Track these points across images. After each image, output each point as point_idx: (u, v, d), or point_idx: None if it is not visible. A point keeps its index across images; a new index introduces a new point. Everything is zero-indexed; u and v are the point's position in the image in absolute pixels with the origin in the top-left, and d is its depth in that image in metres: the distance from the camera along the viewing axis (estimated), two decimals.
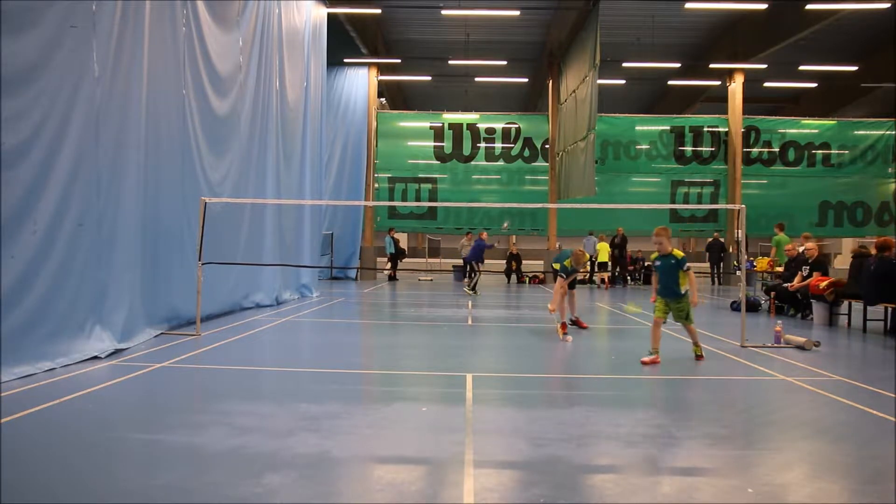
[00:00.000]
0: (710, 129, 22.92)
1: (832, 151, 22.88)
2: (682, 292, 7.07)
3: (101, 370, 6.01)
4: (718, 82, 23.19)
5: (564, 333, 8.73)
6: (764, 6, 17.91)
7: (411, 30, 22.62)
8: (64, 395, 4.98)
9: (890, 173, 22.87)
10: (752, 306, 12.47)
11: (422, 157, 23.16)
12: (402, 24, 22.10)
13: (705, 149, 22.91)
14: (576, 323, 9.71)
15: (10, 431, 4.06)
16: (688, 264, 7.01)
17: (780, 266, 14.02)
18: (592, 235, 21.69)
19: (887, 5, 16.64)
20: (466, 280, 18.69)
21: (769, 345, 8.22)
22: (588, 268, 21.34)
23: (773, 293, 12.43)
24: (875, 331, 9.79)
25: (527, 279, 22.12)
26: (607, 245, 21.02)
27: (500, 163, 23.16)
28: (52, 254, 6.00)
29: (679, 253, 7.06)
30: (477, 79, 25.13)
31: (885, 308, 9.55)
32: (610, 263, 20.53)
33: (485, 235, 17.89)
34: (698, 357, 7.20)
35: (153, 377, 5.87)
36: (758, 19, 19.79)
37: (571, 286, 9.63)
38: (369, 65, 22.02)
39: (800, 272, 11.58)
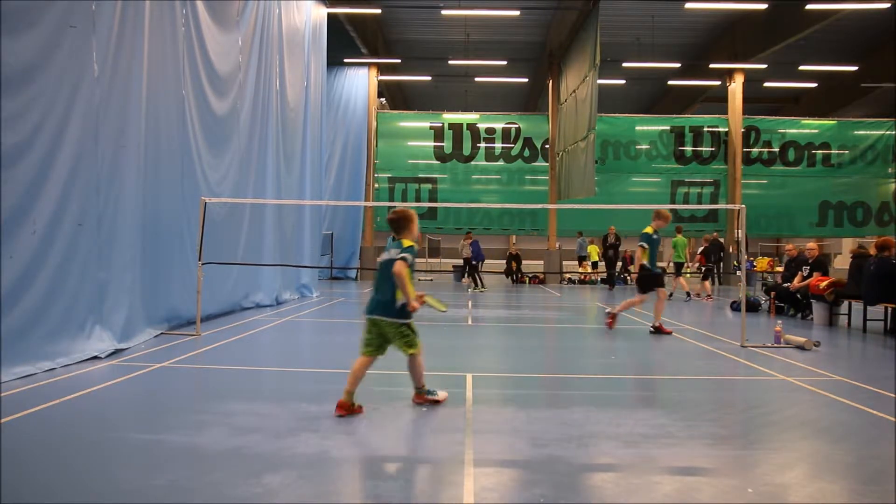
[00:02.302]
0: (710, 129, 22.92)
1: (832, 151, 22.88)
2: (399, 305, 4.65)
3: (101, 370, 6.01)
4: (718, 82, 23.18)
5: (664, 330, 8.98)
6: (764, 6, 17.91)
7: (411, 30, 22.61)
8: (64, 395, 4.98)
9: (890, 173, 22.87)
10: (752, 306, 12.47)
11: (422, 157, 23.16)
12: (402, 24, 22.10)
13: (705, 149, 22.91)
14: (659, 329, 9.16)
15: (10, 431, 4.06)
16: (406, 255, 4.65)
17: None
18: (582, 236, 22.02)
19: (887, 5, 16.64)
20: (469, 280, 19.13)
21: (769, 345, 8.21)
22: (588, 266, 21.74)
23: (773, 293, 12.44)
24: (875, 331, 9.79)
25: (527, 279, 22.12)
26: (597, 247, 21.37)
27: (500, 163, 23.16)
28: (52, 254, 6.00)
29: (408, 241, 4.79)
30: (477, 79, 25.12)
31: (885, 308, 9.55)
32: (604, 264, 20.56)
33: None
34: (419, 398, 4.95)
35: (153, 377, 5.87)
36: (757, 19, 19.79)
37: (650, 287, 9.18)
38: (369, 65, 22.02)
39: (800, 272, 11.58)
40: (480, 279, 19.01)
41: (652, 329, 9.23)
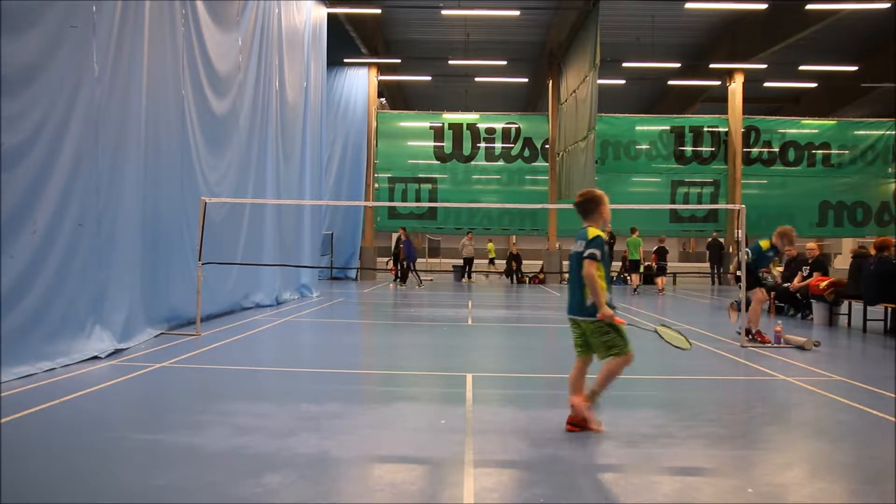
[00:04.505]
0: (710, 129, 22.93)
1: (832, 151, 22.89)
2: (590, 303, 4.17)
3: (101, 370, 6.01)
4: (718, 82, 23.19)
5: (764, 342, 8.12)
6: (764, 6, 17.91)
7: (411, 30, 22.61)
8: (64, 395, 4.97)
9: (890, 173, 22.88)
10: None
11: (422, 157, 23.17)
12: (402, 24, 22.10)
13: (705, 149, 22.92)
14: (755, 336, 8.32)
15: (11, 431, 4.06)
16: (594, 252, 4.13)
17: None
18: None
19: (887, 5, 16.64)
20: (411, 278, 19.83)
21: (769, 344, 8.21)
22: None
23: (773, 293, 12.43)
24: (875, 331, 9.79)
25: (527, 279, 22.13)
26: (493, 244, 22.99)
27: (500, 163, 23.17)
28: (52, 254, 6.00)
29: (594, 231, 4.25)
30: (477, 79, 25.12)
31: (885, 308, 9.54)
32: None
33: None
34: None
35: (153, 377, 5.87)
36: (758, 19, 19.80)
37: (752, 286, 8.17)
38: (369, 65, 22.03)
39: (800, 272, 11.58)
40: (417, 276, 20.16)
41: (749, 335, 8.36)
